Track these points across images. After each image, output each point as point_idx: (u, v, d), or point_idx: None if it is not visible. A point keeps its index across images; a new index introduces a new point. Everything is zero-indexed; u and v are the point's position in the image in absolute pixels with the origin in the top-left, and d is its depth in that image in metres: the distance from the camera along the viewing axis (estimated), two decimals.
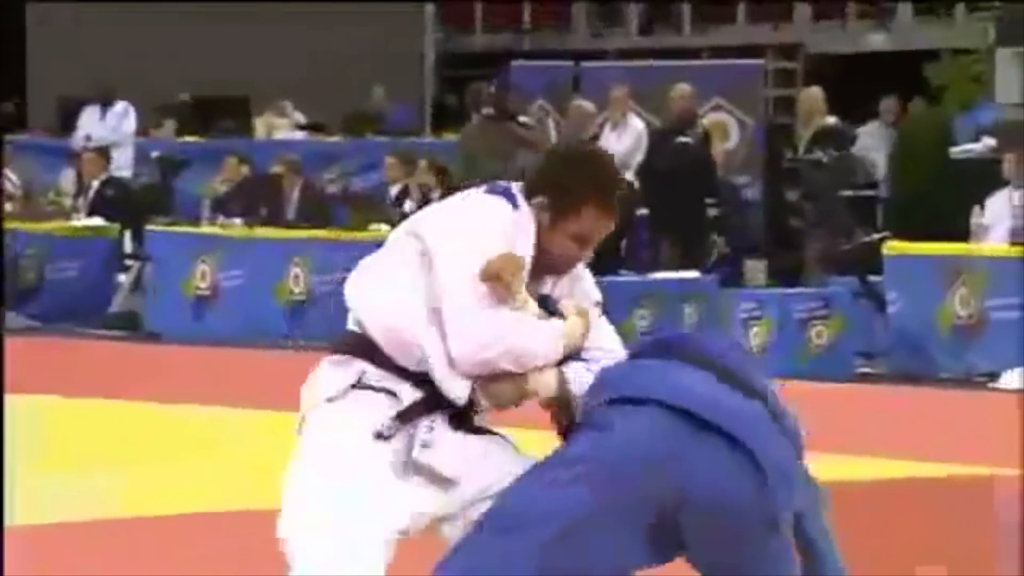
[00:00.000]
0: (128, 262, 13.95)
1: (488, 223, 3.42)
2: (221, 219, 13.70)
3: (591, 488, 3.27)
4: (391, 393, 3.42)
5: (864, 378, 11.23)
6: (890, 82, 15.70)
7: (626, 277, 12.94)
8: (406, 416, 3.41)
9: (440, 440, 3.42)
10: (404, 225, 3.52)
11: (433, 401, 3.42)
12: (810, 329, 11.37)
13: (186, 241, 13.50)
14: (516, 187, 3.52)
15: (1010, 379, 10.67)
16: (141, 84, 17.05)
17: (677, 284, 12.64)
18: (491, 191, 3.49)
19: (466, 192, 3.53)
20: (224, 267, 13.14)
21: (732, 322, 11.71)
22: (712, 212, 14.31)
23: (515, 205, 3.47)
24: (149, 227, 13.81)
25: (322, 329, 12.93)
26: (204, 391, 9.67)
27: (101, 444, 8.21)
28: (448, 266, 3.38)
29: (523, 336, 3.41)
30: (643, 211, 14.29)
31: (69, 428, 8.65)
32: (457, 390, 3.40)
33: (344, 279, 3.54)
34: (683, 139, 13.72)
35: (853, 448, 7.92)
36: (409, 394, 3.42)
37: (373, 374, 3.45)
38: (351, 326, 3.52)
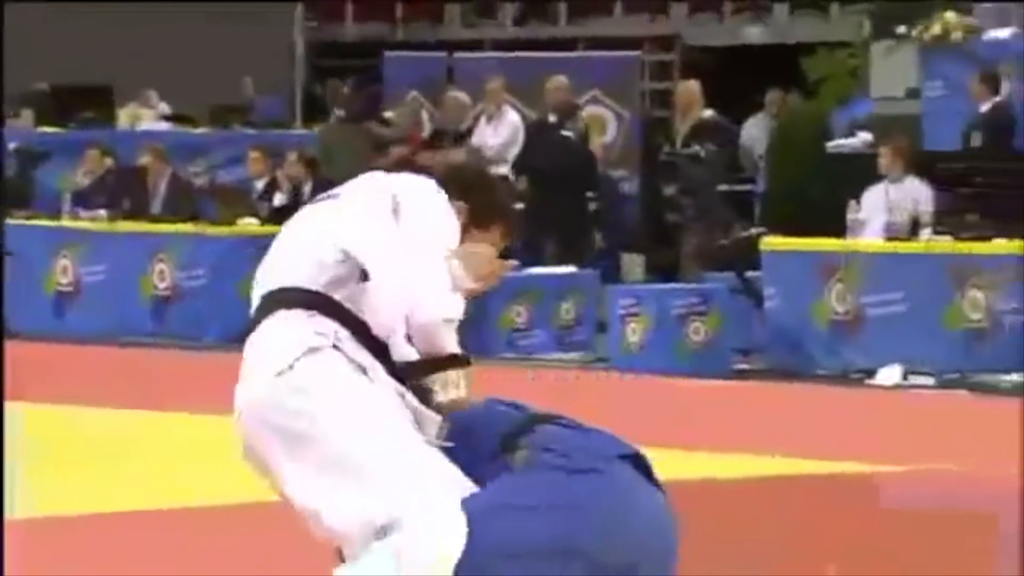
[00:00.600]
0: None
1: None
2: (82, 212, 13.49)
3: None
4: (362, 367, 3.41)
5: (742, 375, 11.32)
6: (767, 75, 15.84)
7: None
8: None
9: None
10: (374, 183, 3.53)
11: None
12: (688, 325, 11.43)
13: (46, 235, 13.28)
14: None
15: (887, 376, 10.81)
16: None
17: (555, 280, 12.65)
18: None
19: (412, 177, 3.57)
20: (86, 262, 12.95)
21: (610, 318, 11.74)
22: (590, 207, 14.35)
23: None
24: (7, 221, 13.56)
25: (188, 326, 12.84)
26: (65, 390, 9.50)
27: None
28: (429, 245, 3.42)
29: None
30: (519, 205, 14.30)
31: None
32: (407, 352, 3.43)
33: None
34: (564, 132, 13.73)
35: (730, 445, 7.97)
36: (380, 368, 3.43)
37: (346, 339, 3.43)
38: (299, 283, 3.45)
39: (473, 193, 3.57)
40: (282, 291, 3.45)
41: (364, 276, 3.38)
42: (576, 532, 3.21)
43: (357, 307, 3.39)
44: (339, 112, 13.01)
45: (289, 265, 3.47)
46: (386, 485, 3.28)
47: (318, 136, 14.59)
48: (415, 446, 3.34)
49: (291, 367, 3.37)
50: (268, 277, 3.52)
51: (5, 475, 6.09)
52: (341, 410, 3.34)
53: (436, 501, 3.25)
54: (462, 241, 3.51)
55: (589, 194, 13.86)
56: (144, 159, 14.01)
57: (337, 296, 3.39)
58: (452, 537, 3.16)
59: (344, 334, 3.38)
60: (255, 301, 3.53)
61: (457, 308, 3.44)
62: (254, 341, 3.47)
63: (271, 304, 3.47)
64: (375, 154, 14.21)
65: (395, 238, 3.38)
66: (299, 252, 3.47)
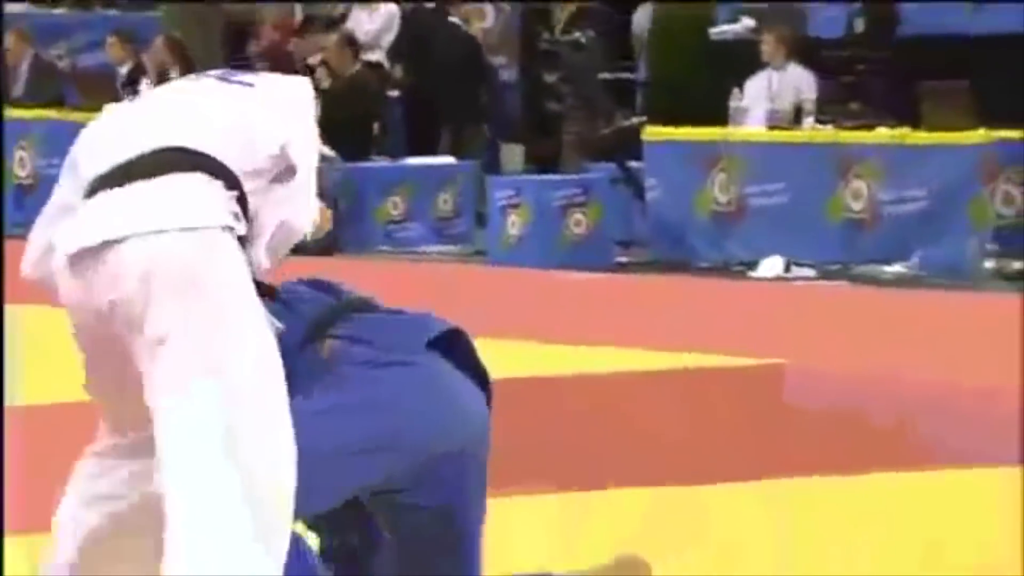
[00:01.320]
0: None
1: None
2: None
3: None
4: None
5: (623, 267, 11.36)
6: None
7: (379, 163, 12.84)
8: None
9: None
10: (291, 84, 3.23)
11: None
12: (568, 217, 11.43)
13: None
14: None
15: (769, 267, 10.90)
16: None
17: (433, 170, 12.58)
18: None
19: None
20: None
21: (489, 209, 11.70)
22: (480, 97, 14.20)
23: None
24: None
25: None
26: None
27: None
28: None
29: None
30: (395, 92, 14.15)
31: None
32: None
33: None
34: (452, 19, 13.56)
35: (610, 339, 8.01)
36: None
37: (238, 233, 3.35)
38: (210, 153, 3.12)
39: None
40: (184, 152, 3.02)
41: (288, 175, 3.15)
42: (384, 430, 3.23)
43: (254, 206, 3.19)
44: None
45: (194, 131, 3.06)
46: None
47: (163, 17, 14.27)
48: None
49: (206, 227, 2.98)
50: (146, 136, 3.06)
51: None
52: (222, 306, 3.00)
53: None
54: None
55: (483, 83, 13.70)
56: (7, 40, 13.62)
57: (247, 187, 3.15)
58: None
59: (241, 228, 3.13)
60: (105, 157, 3.06)
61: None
62: (140, 188, 3.00)
63: (163, 159, 3.02)
64: (232, 38, 14.00)
65: (315, 145, 3.20)
66: (216, 125, 3.08)
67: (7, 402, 5.59)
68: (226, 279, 3.00)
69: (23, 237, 3.32)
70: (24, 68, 13.61)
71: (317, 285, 3.51)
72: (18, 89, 13.48)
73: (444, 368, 3.34)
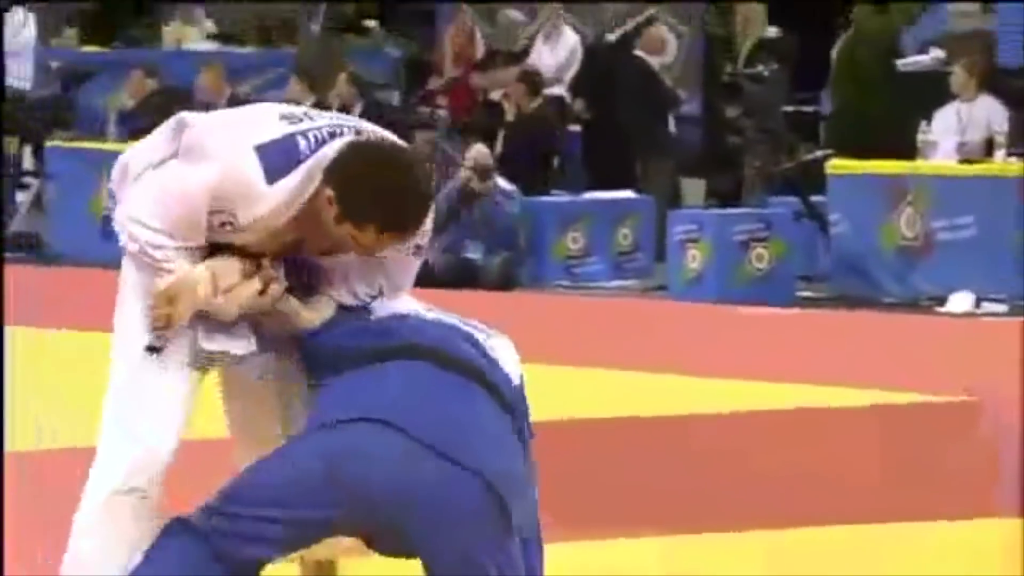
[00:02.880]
0: (27, 180, 13.79)
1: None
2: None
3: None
4: None
5: (806, 303, 11.31)
6: None
7: (558, 197, 12.95)
8: None
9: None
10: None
11: None
12: (750, 251, 11.42)
13: (90, 157, 13.36)
14: (310, 157, 3.50)
15: (958, 303, 10.78)
16: None
17: (612, 205, 12.65)
18: (264, 155, 3.48)
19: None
20: None
21: (669, 244, 11.74)
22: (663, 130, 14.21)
23: (271, 182, 3.47)
24: (49, 143, 13.65)
25: None
26: (108, 316, 9.56)
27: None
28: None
29: None
30: (575, 127, 14.26)
31: None
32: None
33: None
34: (636, 53, 13.61)
35: (793, 375, 7.99)
36: None
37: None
38: None
39: (340, 185, 3.46)
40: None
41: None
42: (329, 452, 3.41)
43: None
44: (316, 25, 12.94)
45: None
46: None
47: (297, 54, 14.53)
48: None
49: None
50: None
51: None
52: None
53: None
54: (336, 228, 3.47)
55: (661, 115, 13.72)
56: (203, 78, 13.88)
57: None
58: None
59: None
60: None
61: (145, 235, 3.51)
62: None
63: None
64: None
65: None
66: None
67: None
68: None
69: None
70: (223, 104, 13.97)
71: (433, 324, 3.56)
72: None
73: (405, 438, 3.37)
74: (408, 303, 3.63)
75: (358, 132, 3.55)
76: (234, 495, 3.41)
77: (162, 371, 3.50)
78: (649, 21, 14.09)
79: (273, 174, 3.46)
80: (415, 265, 3.66)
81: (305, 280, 3.59)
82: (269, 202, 3.47)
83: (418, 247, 3.62)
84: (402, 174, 3.51)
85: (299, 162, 3.48)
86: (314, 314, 3.55)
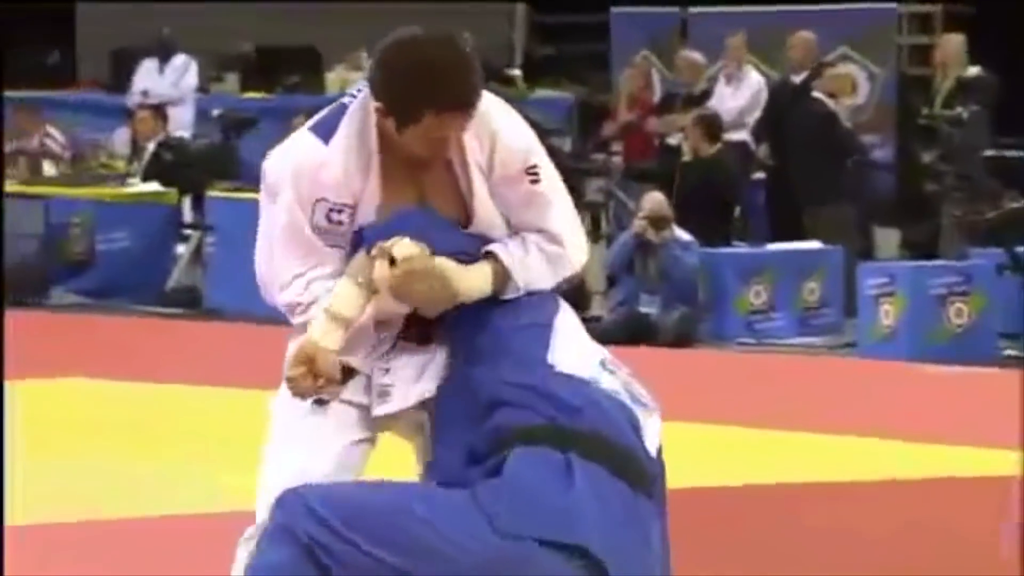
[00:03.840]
0: (187, 232, 14.00)
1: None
2: None
3: None
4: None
5: (1009, 361, 11.06)
6: None
7: (739, 248, 12.83)
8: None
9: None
10: None
11: None
12: (949, 307, 11.20)
13: (252, 209, 13.46)
14: (354, 100, 3.64)
15: None
16: (201, 34, 17.11)
17: (798, 256, 12.50)
18: (315, 127, 3.65)
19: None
20: None
21: (859, 298, 11.57)
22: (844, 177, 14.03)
23: (326, 137, 3.60)
24: (211, 193, 13.85)
25: None
26: (271, 374, 9.64)
27: (147, 432, 8.21)
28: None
29: None
30: (759, 174, 14.14)
31: (116, 413, 8.68)
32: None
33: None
34: (815, 95, 13.46)
35: (998, 440, 7.79)
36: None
37: None
38: None
39: (384, 95, 3.53)
40: None
41: None
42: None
43: None
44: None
45: None
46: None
47: None
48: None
49: None
50: None
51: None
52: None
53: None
54: (402, 136, 3.52)
55: (849, 162, 13.56)
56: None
57: None
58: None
59: None
60: None
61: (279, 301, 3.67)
62: None
63: None
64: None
65: None
66: None
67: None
68: None
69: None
70: None
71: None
72: None
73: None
74: (587, 352, 3.55)
75: None
76: (359, 525, 3.36)
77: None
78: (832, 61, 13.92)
79: (326, 135, 3.58)
80: (545, 198, 3.60)
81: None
82: (337, 159, 3.53)
83: (533, 171, 3.57)
84: (434, 49, 3.53)
85: (344, 111, 3.60)
86: (472, 283, 3.49)
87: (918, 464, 7.33)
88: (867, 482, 7.02)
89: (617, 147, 14.96)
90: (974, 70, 13.58)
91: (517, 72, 16.77)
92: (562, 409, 3.41)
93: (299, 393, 3.53)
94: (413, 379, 3.54)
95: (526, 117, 3.43)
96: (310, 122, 3.68)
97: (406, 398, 3.55)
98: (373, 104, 3.55)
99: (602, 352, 3.56)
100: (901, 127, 14.74)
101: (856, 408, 8.88)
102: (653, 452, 3.47)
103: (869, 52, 15.20)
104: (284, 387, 3.62)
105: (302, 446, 3.55)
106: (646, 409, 3.49)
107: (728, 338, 11.94)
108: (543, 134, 15.41)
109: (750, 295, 12.20)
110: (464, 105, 3.50)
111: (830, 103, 13.41)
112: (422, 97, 3.48)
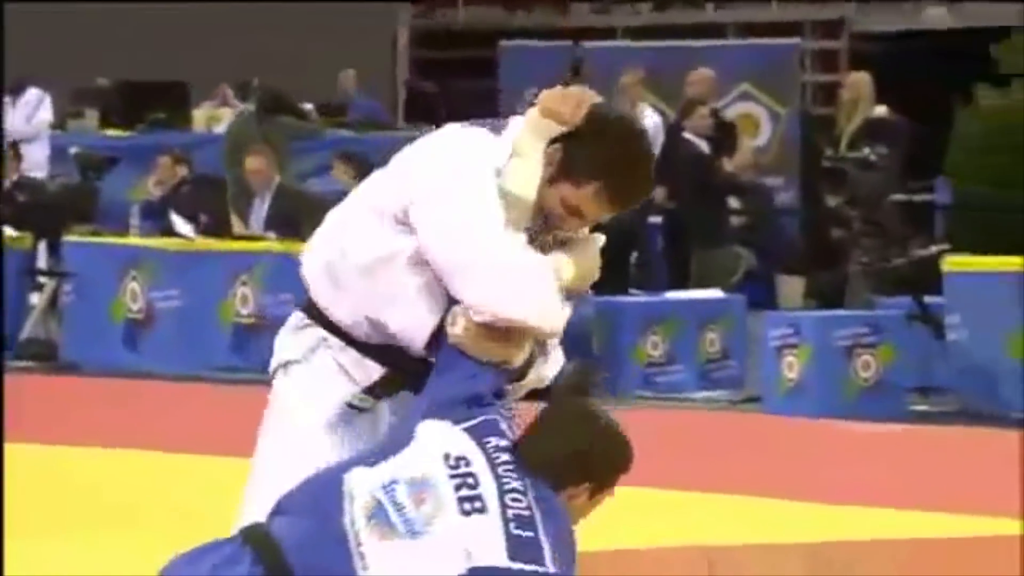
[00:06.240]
0: (42, 279, 13.92)
1: (471, 154, 3.64)
2: (180, 224, 13.51)
3: None
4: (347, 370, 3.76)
5: (920, 417, 11.24)
6: (951, 65, 15.73)
7: (636, 297, 12.96)
8: (375, 390, 3.71)
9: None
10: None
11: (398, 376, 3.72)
12: (855, 359, 11.37)
13: (113, 254, 13.49)
14: (513, 121, 3.71)
15: None
16: (57, 67, 17.04)
17: (698, 306, 12.64)
18: (472, 123, 3.75)
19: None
20: (159, 285, 13.14)
21: (762, 350, 11.71)
22: (737, 220, 14.26)
23: (498, 133, 3.68)
24: (68, 238, 13.79)
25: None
26: (135, 433, 9.64)
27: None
28: (449, 213, 3.59)
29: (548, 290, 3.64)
30: (656, 219, 14.29)
31: None
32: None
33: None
34: (685, 135, 13.65)
35: (907, 501, 7.91)
36: (374, 370, 3.74)
37: (335, 344, 3.79)
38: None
39: (569, 140, 3.60)
40: None
41: None
42: None
43: None
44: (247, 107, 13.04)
45: None
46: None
47: (226, 131, 14.75)
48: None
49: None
50: None
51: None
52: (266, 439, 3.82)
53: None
54: (549, 187, 3.60)
55: (730, 205, 13.75)
56: (251, 164, 13.85)
57: None
58: None
59: None
60: None
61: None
62: None
63: None
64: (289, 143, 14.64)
65: None
66: None
67: None
68: None
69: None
70: (267, 198, 14.01)
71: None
72: (256, 222, 13.87)
73: None
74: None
75: None
76: None
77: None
78: (697, 100, 14.07)
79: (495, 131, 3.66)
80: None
81: None
82: (507, 151, 3.61)
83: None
84: (636, 140, 3.64)
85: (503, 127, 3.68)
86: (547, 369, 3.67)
87: (822, 526, 7.43)
88: (768, 544, 7.11)
89: None
90: (881, 110, 13.82)
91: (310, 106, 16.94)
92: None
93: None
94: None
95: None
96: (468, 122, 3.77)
97: None
98: (554, 147, 3.60)
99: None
100: (805, 169, 14.95)
101: (759, 467, 8.98)
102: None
103: (772, 90, 15.44)
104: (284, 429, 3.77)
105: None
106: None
107: (625, 392, 12.04)
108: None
109: (648, 346, 12.32)
110: (630, 202, 3.68)
111: (701, 144, 13.60)
112: (599, 172, 3.60)
